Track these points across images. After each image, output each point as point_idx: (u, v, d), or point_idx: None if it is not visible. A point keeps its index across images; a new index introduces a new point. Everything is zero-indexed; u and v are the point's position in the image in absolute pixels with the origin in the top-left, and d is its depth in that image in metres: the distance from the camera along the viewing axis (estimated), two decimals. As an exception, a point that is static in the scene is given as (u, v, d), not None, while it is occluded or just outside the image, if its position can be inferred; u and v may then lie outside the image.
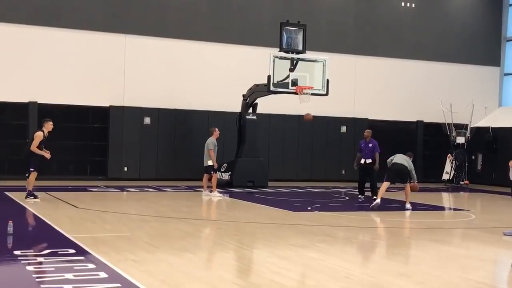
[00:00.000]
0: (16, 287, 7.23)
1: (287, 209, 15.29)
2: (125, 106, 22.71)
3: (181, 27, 23.60)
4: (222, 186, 20.26)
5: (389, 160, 16.21)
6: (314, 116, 24.42)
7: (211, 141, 17.89)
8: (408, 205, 15.94)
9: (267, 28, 23.75)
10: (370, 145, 17.84)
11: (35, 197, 15.16)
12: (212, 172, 17.85)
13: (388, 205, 16.16)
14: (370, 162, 17.69)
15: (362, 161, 17.82)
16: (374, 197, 16.58)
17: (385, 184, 15.83)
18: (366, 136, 18.08)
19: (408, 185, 16.05)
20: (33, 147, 14.99)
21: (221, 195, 17.91)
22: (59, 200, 15.53)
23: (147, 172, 22.84)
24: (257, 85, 20.82)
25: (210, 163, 17.78)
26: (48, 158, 15.15)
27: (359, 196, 18.20)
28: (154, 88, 23.07)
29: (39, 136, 15.06)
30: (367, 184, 17.83)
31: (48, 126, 15.25)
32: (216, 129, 18.16)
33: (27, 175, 15.22)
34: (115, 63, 22.71)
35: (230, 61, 24.02)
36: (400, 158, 16.12)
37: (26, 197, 15.13)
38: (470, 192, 23.20)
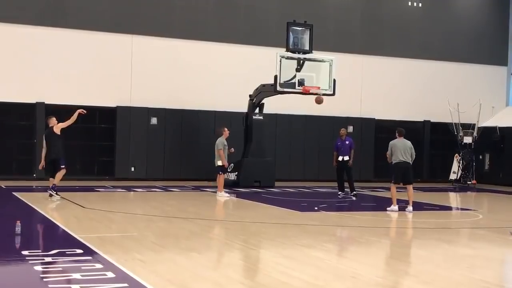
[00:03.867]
0: (24, 287, 7.27)
1: (294, 209, 15.29)
2: (132, 106, 22.75)
3: (187, 27, 23.63)
4: (229, 186, 20.28)
5: (389, 152, 15.37)
6: (321, 116, 24.60)
7: (220, 141, 17.87)
8: (410, 208, 15.19)
9: (274, 28, 23.74)
10: (347, 142, 18.64)
11: (57, 193, 15.62)
12: (220, 173, 17.87)
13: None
14: (348, 160, 18.50)
15: (340, 158, 18.55)
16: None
17: (394, 188, 15.35)
18: (342, 135, 18.82)
19: (411, 187, 15.48)
20: (66, 123, 15.69)
21: (228, 195, 17.92)
22: (66, 200, 15.57)
23: (154, 172, 22.87)
24: (263, 85, 20.82)
25: (219, 163, 17.78)
26: (84, 112, 15.83)
27: (339, 193, 18.84)
28: (161, 88, 23.11)
29: (56, 125, 15.67)
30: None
31: (53, 121, 15.69)
32: (225, 129, 18.16)
33: (50, 174, 15.88)
34: (122, 64, 22.76)
35: (236, 61, 24.03)
36: (404, 153, 15.23)
37: (52, 195, 15.50)
38: (478, 192, 23.14)
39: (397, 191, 15.42)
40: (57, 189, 15.68)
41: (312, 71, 20.00)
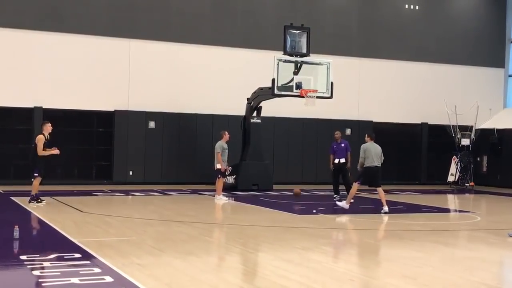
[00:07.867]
0: (22, 292, 7.27)
1: (292, 212, 15.30)
2: (129, 110, 22.75)
3: (185, 31, 23.65)
4: (227, 189, 20.28)
5: (360, 160, 15.56)
6: (319, 119, 24.61)
7: (219, 144, 17.84)
8: (386, 208, 15.28)
9: (271, 32, 23.78)
10: (342, 145, 18.50)
11: (38, 201, 15.28)
12: (218, 176, 17.84)
13: (393, 207, 16.14)
14: (344, 162, 18.36)
15: (336, 161, 18.42)
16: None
17: (356, 187, 15.75)
18: (337, 138, 18.65)
19: (381, 189, 15.57)
20: (40, 152, 15.19)
21: (226, 198, 17.90)
22: (64, 205, 15.57)
23: (152, 176, 22.87)
24: (261, 89, 20.84)
25: (218, 166, 17.75)
26: (58, 153, 15.38)
27: (335, 196, 18.66)
28: (159, 92, 23.12)
29: (41, 139, 15.29)
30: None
31: (47, 128, 15.57)
32: (226, 132, 18.12)
33: (32, 179, 15.37)
34: (120, 68, 22.77)
35: (234, 65, 24.06)
36: (377, 158, 15.42)
37: (30, 201, 15.25)
38: (475, 194, 23.16)
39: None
40: (39, 195, 15.53)
41: (309, 74, 20.01)
